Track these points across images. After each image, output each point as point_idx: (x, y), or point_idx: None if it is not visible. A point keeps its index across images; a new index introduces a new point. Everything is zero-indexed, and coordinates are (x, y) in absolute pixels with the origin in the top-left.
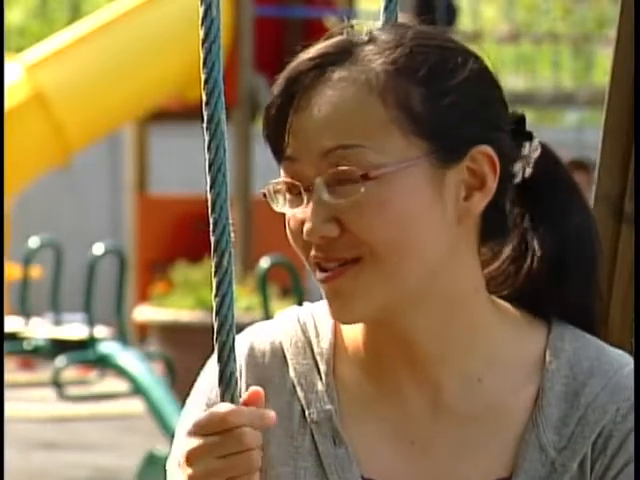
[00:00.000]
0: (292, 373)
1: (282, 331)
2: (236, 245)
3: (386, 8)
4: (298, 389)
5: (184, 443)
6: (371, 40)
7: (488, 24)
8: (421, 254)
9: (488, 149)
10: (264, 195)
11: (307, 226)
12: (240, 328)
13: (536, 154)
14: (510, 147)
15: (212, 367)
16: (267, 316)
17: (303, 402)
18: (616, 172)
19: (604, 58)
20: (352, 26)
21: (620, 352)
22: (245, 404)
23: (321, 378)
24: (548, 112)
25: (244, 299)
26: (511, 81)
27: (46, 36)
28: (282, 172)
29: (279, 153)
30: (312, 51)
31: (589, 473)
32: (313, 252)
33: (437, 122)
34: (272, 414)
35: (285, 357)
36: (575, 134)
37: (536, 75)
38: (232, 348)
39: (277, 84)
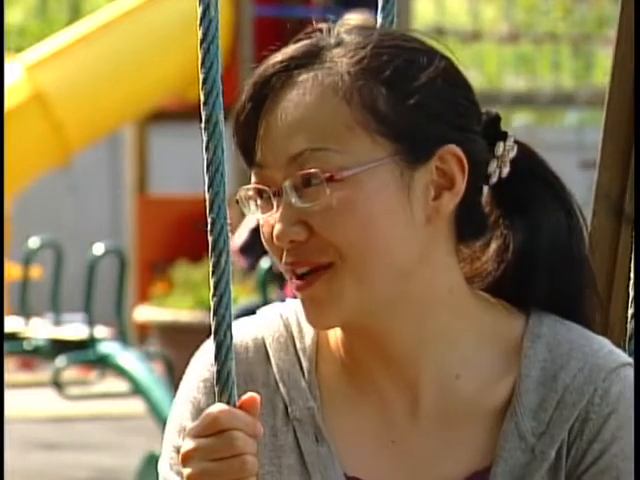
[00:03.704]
0: (275, 369)
1: (264, 327)
2: None
3: (383, 8)
4: (281, 385)
5: (175, 443)
6: (339, 43)
7: (488, 24)
8: (390, 256)
9: (456, 149)
10: (236, 201)
11: (276, 229)
12: None
13: (512, 153)
14: (481, 147)
15: (197, 364)
16: None
17: (286, 399)
18: (616, 172)
19: (604, 58)
20: (321, 30)
21: (600, 337)
22: (240, 407)
23: (304, 375)
24: (548, 112)
25: (244, 299)
26: (511, 81)
27: (46, 36)
28: (253, 178)
29: (249, 159)
30: (279, 55)
31: (565, 459)
32: (284, 257)
33: (402, 123)
34: (261, 428)
35: (268, 353)
36: (575, 134)
37: (536, 75)
38: (229, 348)
39: (245, 89)
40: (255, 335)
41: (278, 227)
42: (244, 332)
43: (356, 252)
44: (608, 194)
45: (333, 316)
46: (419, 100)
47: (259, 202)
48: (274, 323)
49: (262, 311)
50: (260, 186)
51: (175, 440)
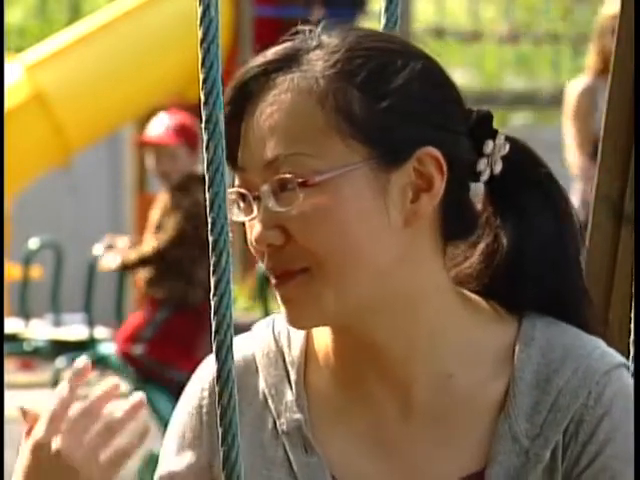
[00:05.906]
0: (262, 384)
1: (255, 343)
2: (235, 245)
3: (387, 9)
4: (269, 400)
5: (172, 457)
6: (319, 45)
7: (488, 24)
8: (368, 261)
9: (433, 150)
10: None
11: (254, 233)
12: (240, 328)
13: (504, 151)
14: (464, 146)
15: (198, 380)
16: (267, 316)
17: (274, 413)
18: (616, 172)
19: None
20: (310, 30)
21: (593, 338)
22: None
23: (291, 387)
24: (548, 112)
25: (244, 299)
26: (511, 81)
27: (46, 36)
28: (236, 181)
29: (233, 162)
30: (259, 58)
31: (560, 461)
32: (265, 260)
33: (376, 126)
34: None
35: (257, 369)
36: None
37: (536, 75)
38: (230, 347)
39: (226, 93)
40: (245, 352)
41: (256, 231)
42: (236, 350)
43: (332, 258)
44: (608, 194)
45: (311, 317)
46: (392, 103)
47: (242, 205)
48: (265, 338)
49: (257, 325)
50: (241, 190)
51: (172, 454)
